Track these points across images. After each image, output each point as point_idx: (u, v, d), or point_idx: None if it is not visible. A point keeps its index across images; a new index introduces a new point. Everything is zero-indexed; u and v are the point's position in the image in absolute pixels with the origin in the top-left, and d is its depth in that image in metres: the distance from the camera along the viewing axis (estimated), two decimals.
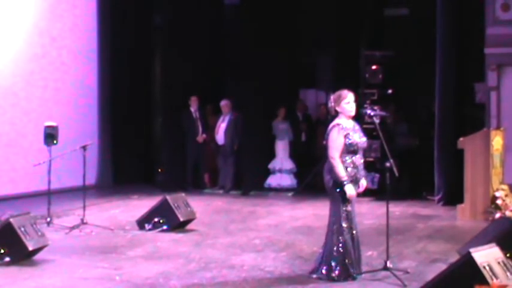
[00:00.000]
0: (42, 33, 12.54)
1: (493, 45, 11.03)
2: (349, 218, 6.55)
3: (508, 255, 6.28)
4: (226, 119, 13.35)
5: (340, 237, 6.49)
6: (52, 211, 9.29)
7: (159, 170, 14.08)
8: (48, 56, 12.67)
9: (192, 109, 13.48)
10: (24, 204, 10.11)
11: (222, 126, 13.37)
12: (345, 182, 6.43)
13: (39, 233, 7.41)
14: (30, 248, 7.14)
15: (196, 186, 13.32)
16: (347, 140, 6.51)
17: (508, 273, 5.82)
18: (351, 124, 6.64)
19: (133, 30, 14.06)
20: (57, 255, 7.41)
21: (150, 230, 8.88)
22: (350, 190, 6.46)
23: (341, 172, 6.45)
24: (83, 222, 8.97)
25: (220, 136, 13.40)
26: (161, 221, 8.90)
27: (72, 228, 8.85)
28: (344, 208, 6.52)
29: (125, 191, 12.71)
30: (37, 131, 10.01)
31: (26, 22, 12.25)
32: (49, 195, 9.18)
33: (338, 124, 6.57)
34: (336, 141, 6.50)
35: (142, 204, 10.40)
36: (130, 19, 14.04)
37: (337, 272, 6.48)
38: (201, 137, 13.48)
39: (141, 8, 14.10)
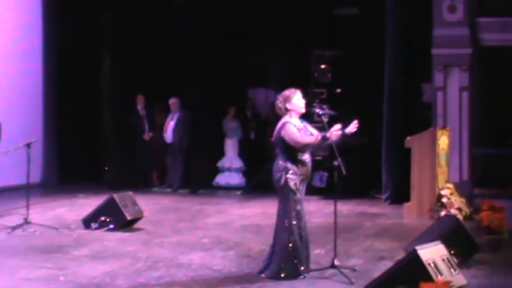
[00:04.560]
0: None
1: (440, 46, 11.19)
2: (299, 217, 6.57)
3: (452, 252, 6.37)
4: (175, 117, 13.26)
5: (290, 237, 6.50)
6: None
7: (106, 169, 13.89)
8: None
9: (139, 107, 13.36)
10: None
11: (170, 125, 13.27)
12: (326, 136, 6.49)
13: None
14: None
15: (144, 185, 13.19)
16: None
17: (452, 270, 5.91)
18: (299, 123, 6.65)
19: (81, 27, 13.82)
20: None
21: (96, 229, 8.75)
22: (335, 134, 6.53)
23: (311, 138, 6.49)
24: (26, 222, 8.77)
25: (169, 134, 13.29)
26: (108, 219, 8.76)
27: (15, 228, 8.65)
28: (294, 207, 6.53)
29: (71, 189, 12.49)
30: None
31: None
32: None
33: (288, 121, 6.57)
34: (294, 132, 6.49)
35: (89, 203, 10.23)
36: (77, 16, 13.78)
37: (285, 271, 6.48)
38: (147, 135, 13.36)
39: (87, 6, 13.85)
